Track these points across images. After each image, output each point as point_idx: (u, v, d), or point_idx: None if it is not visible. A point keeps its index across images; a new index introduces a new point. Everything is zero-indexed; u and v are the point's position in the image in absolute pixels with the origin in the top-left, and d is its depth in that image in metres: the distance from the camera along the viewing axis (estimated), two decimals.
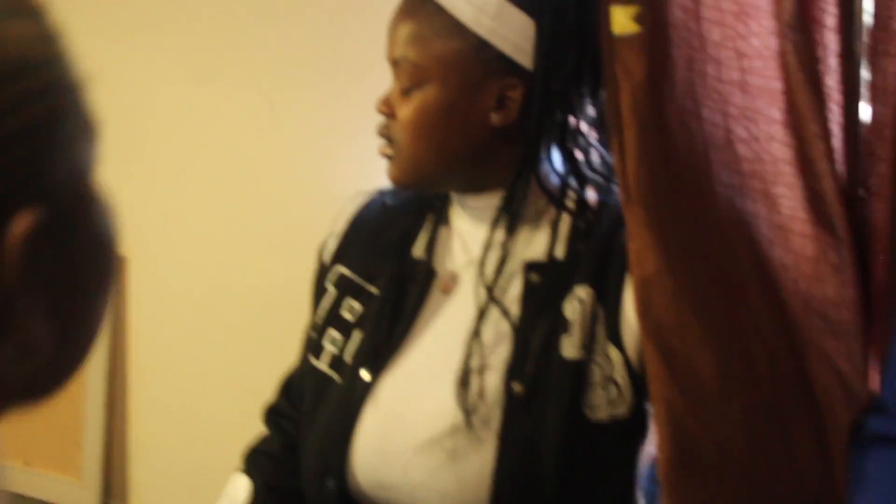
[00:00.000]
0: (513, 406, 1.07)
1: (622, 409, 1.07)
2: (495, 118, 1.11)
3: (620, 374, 1.07)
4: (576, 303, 1.09)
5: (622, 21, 1.01)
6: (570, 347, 1.08)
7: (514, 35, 1.10)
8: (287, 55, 1.78)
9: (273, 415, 1.31)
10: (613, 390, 1.07)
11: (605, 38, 1.01)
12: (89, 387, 1.95)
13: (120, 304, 1.97)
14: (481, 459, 1.07)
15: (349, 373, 1.17)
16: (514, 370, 1.08)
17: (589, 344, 1.08)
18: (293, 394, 1.28)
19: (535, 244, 1.14)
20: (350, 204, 1.28)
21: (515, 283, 1.12)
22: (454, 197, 1.20)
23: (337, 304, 1.22)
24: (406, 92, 1.11)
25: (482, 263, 1.12)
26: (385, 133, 1.14)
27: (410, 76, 1.10)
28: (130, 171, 1.93)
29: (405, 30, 1.11)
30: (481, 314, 1.11)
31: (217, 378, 1.90)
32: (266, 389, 1.34)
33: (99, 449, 1.96)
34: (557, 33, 1.10)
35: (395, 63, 1.12)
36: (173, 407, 1.96)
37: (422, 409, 1.11)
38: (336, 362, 1.19)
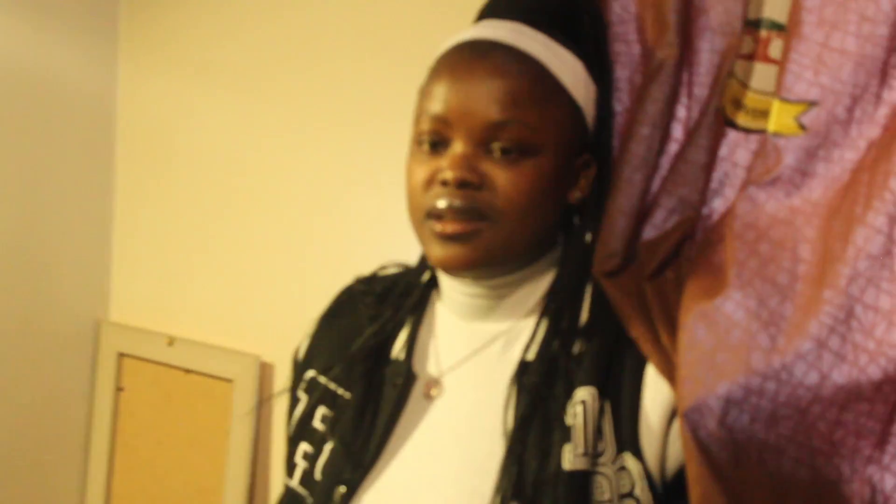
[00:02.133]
0: None
1: None
2: (574, 196, 1.01)
3: (640, 488, 0.92)
4: (578, 407, 0.93)
5: (784, 120, 0.93)
6: (572, 457, 0.92)
7: (591, 107, 1.00)
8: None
9: None
10: None
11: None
12: (228, 494, 1.93)
13: (265, 413, 1.95)
14: None
15: (321, 490, 1.03)
16: (508, 488, 0.91)
17: (594, 452, 0.92)
18: None
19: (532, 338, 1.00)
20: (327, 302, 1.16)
21: (511, 387, 0.98)
22: (444, 287, 1.05)
23: (309, 414, 1.09)
24: (512, 159, 0.95)
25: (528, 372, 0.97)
26: (470, 205, 0.94)
27: (522, 141, 0.94)
28: (272, 281, 1.94)
29: (506, 88, 0.94)
30: (522, 426, 0.95)
31: None
32: None
33: None
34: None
35: (498, 125, 0.94)
36: None
37: None
38: (306, 479, 1.06)
